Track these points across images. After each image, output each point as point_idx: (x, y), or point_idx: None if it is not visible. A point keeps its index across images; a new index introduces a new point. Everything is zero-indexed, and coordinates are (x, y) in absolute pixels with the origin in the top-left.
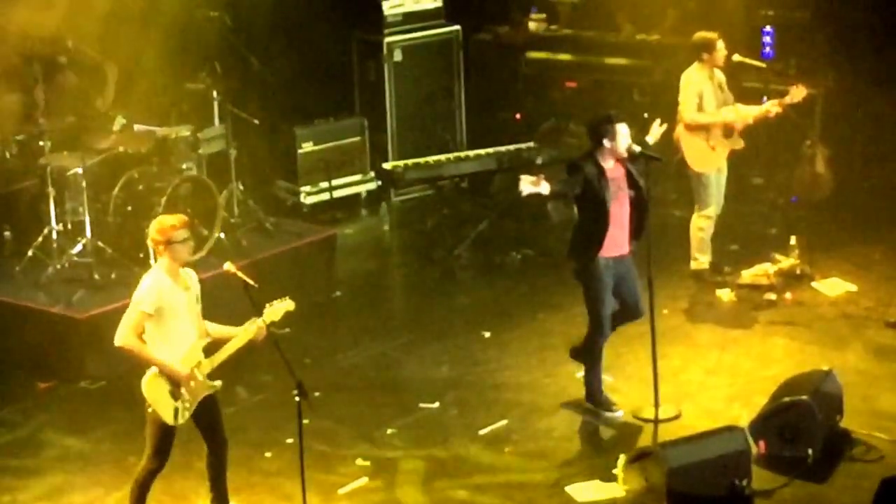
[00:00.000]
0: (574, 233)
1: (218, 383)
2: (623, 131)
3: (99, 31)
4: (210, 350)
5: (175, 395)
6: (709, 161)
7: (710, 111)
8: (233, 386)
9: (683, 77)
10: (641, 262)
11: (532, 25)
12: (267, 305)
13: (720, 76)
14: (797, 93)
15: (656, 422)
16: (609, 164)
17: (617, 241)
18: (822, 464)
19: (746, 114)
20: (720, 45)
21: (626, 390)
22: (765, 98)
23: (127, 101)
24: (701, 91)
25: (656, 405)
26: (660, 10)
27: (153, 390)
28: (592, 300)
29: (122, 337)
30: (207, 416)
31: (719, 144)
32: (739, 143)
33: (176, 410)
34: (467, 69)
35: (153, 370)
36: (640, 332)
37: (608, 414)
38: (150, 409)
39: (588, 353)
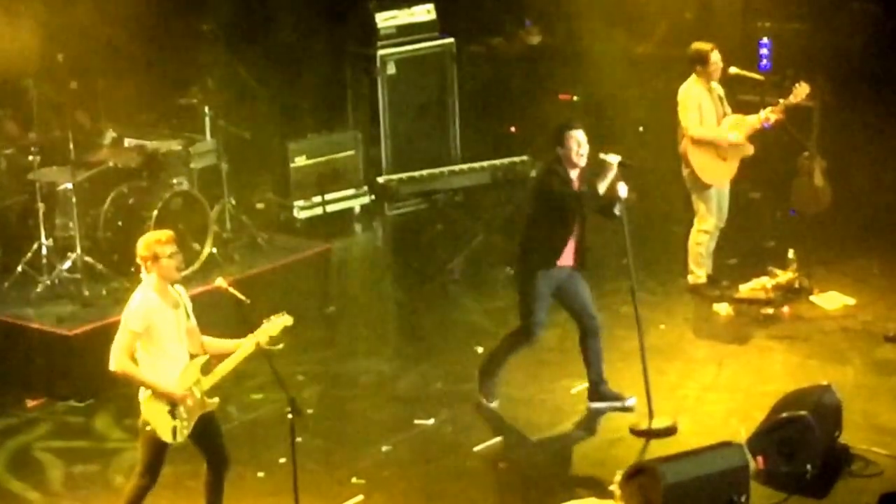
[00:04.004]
0: (530, 240)
1: (216, 401)
2: (579, 137)
3: (90, 44)
4: (207, 366)
5: (173, 413)
6: (721, 173)
7: (711, 124)
8: (224, 404)
9: (681, 91)
10: (624, 271)
11: (526, 38)
12: (265, 320)
13: (719, 89)
14: (800, 91)
15: (649, 434)
16: (573, 174)
17: (566, 253)
18: (821, 479)
19: (750, 124)
20: (714, 58)
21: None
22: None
23: (118, 116)
24: (700, 103)
25: (650, 417)
26: (655, 23)
27: (151, 409)
28: (526, 305)
29: (116, 361)
30: (207, 434)
31: (729, 155)
32: (749, 150)
33: (174, 429)
34: (461, 82)
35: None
36: (636, 347)
37: (485, 401)
38: (147, 428)
39: (501, 347)
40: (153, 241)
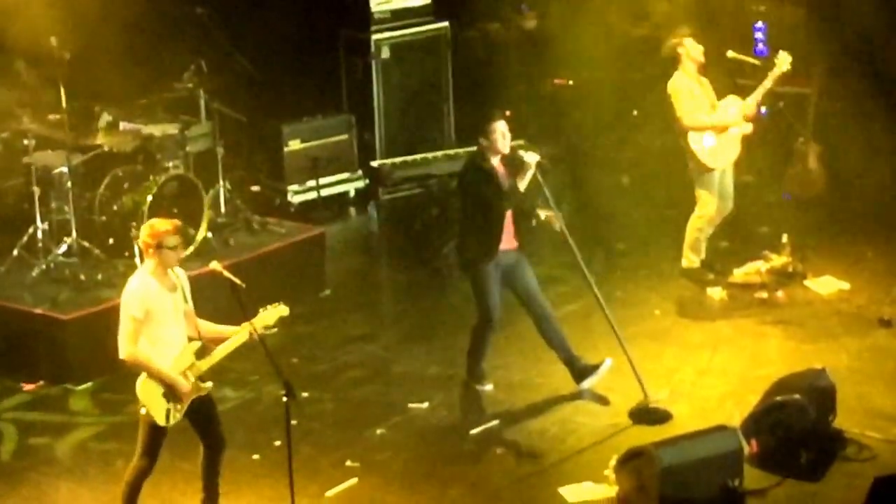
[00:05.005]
0: (468, 231)
1: (209, 385)
2: (502, 129)
3: (84, 27)
4: (202, 350)
5: (168, 396)
6: (723, 154)
7: (703, 111)
8: (220, 387)
9: (669, 85)
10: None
11: (522, 22)
12: (261, 309)
13: (704, 81)
14: (783, 60)
15: (648, 414)
16: (495, 162)
17: (505, 237)
18: (815, 463)
19: (745, 105)
20: (686, 48)
21: (621, 390)
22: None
23: (113, 99)
24: (692, 90)
25: (645, 396)
26: (649, 6)
27: (147, 392)
28: (479, 291)
29: (126, 350)
30: (202, 417)
31: (727, 136)
32: (749, 128)
33: (167, 412)
34: (456, 67)
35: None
36: (631, 334)
37: (478, 386)
38: (143, 411)
39: (474, 338)
40: (161, 231)
